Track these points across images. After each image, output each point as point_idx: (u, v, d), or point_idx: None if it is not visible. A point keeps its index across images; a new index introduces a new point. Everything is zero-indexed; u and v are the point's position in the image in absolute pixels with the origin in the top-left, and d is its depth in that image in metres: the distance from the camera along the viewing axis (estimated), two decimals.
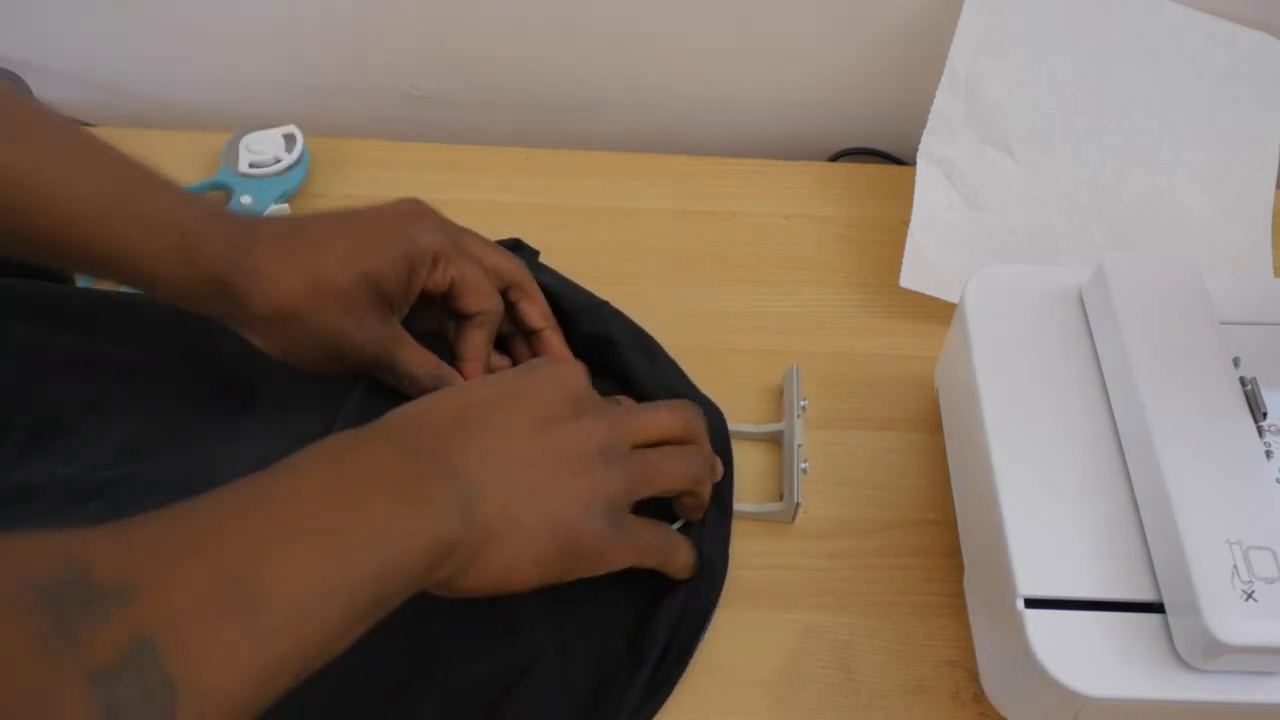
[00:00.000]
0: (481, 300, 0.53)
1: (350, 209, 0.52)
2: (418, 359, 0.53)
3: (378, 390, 0.54)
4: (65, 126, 0.47)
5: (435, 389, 0.50)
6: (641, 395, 0.55)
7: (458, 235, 0.54)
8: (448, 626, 0.48)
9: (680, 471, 0.48)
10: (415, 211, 0.53)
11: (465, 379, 0.54)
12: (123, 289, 0.60)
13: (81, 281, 0.62)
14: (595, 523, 0.43)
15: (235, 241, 0.48)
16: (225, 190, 0.67)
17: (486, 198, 0.70)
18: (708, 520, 0.52)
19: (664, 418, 0.49)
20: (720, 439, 0.54)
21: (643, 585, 0.49)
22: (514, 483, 0.42)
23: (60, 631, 0.28)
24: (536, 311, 0.57)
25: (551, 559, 0.43)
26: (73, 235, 0.46)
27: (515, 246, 0.62)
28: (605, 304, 0.60)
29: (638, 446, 0.47)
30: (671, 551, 0.48)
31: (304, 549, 0.35)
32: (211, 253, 0.48)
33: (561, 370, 0.46)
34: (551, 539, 0.42)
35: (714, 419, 0.56)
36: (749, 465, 0.57)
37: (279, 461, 0.39)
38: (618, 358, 0.57)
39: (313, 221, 0.52)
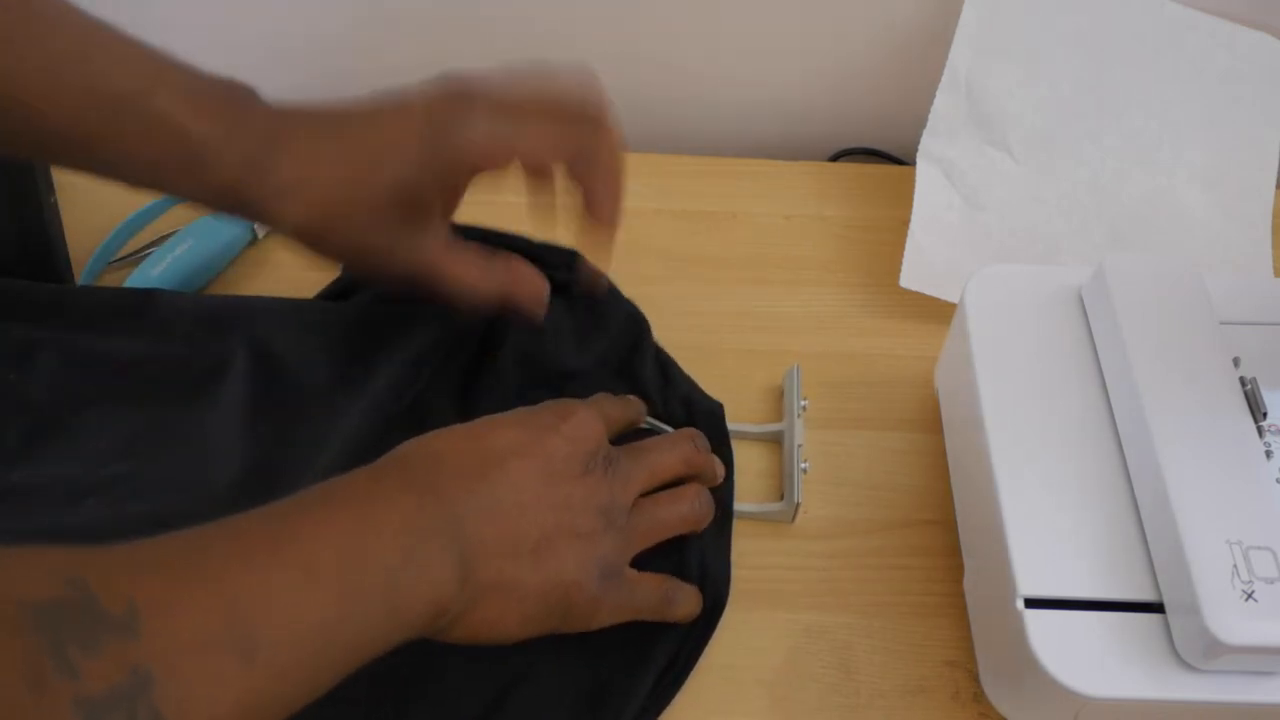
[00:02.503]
0: (548, 179, 0.49)
1: (384, 95, 0.47)
2: (465, 272, 0.49)
3: (381, 397, 0.53)
4: (65, 18, 0.44)
5: (493, 297, 0.49)
6: (651, 408, 0.55)
7: (510, 113, 0.46)
8: None
9: (680, 517, 0.49)
10: (454, 103, 0.46)
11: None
12: (123, 285, 0.61)
13: (81, 281, 0.62)
14: (589, 586, 0.43)
15: (251, 152, 0.45)
16: None
17: (486, 198, 0.69)
18: (708, 527, 0.52)
19: (668, 461, 0.49)
20: (720, 439, 0.54)
21: None
22: (514, 543, 0.42)
23: (54, 654, 0.28)
24: (600, 199, 0.49)
25: (540, 618, 0.43)
26: (75, 140, 0.44)
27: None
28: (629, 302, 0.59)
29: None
30: (668, 606, 0.48)
31: (311, 598, 0.35)
32: (224, 162, 0.45)
33: (582, 428, 0.45)
34: (542, 600, 0.42)
35: (714, 418, 0.56)
36: (749, 465, 0.57)
37: (302, 492, 0.39)
38: (636, 368, 0.57)
39: (342, 118, 0.47)
